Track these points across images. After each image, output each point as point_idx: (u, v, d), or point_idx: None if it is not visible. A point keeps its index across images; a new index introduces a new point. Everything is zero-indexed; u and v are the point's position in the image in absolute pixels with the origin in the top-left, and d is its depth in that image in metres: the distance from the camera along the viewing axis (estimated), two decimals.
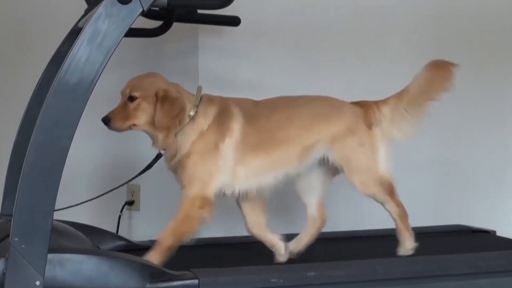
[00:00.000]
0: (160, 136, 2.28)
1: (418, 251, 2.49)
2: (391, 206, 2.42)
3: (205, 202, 2.24)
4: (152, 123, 2.25)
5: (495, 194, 3.56)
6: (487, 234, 2.93)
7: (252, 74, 3.19)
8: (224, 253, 2.50)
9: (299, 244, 2.50)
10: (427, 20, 3.45)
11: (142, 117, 2.25)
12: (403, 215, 2.43)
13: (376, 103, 2.46)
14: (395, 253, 2.42)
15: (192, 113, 2.27)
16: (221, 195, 2.30)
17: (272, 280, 2.07)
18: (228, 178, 2.28)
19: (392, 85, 3.07)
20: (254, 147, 2.30)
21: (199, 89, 2.34)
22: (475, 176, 3.53)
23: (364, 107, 2.45)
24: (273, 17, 3.20)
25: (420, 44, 3.43)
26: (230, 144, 2.28)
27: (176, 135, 2.27)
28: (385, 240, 2.52)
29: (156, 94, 2.24)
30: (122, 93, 2.29)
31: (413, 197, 3.40)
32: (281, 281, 2.07)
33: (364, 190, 2.40)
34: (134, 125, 2.26)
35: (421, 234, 2.84)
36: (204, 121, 2.28)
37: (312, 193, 2.51)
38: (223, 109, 2.32)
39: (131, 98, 2.25)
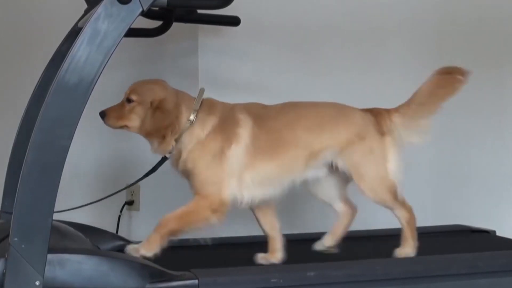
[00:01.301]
0: (153, 142, 2.29)
1: (418, 251, 2.49)
2: (401, 212, 2.41)
3: (220, 206, 2.23)
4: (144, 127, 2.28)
5: (495, 194, 3.56)
6: (487, 234, 2.93)
7: (252, 74, 3.19)
8: (224, 253, 2.50)
9: (334, 237, 2.48)
10: (427, 21, 3.45)
11: (134, 121, 2.28)
12: (412, 221, 2.42)
13: (388, 111, 2.44)
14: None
15: (192, 118, 2.27)
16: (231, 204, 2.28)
17: (272, 280, 2.07)
18: (236, 185, 2.27)
19: (392, 84, 3.08)
20: (263, 152, 2.28)
21: (201, 92, 2.33)
22: (475, 176, 3.53)
23: (375, 114, 2.42)
24: (273, 17, 3.20)
25: (420, 45, 3.43)
26: (237, 150, 2.27)
27: (176, 141, 2.27)
28: (385, 240, 2.52)
29: (152, 102, 2.25)
30: (125, 93, 2.32)
31: (413, 197, 3.40)
32: (281, 281, 2.07)
33: (374, 197, 2.39)
34: (126, 126, 2.29)
35: (421, 234, 2.83)
36: (201, 130, 2.27)
37: (333, 192, 2.49)
38: (227, 116, 2.30)
39: (129, 100, 2.28)
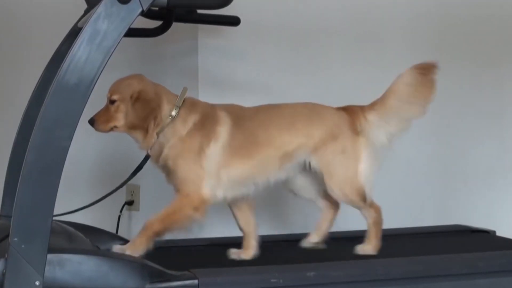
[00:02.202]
0: (139, 137, 2.32)
1: (418, 251, 2.48)
2: (368, 212, 2.43)
3: (200, 204, 2.26)
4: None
5: (495, 194, 3.56)
6: (487, 234, 2.92)
7: (252, 74, 3.19)
8: (224, 253, 2.49)
9: (320, 232, 2.53)
10: (426, 20, 3.45)
11: (121, 119, 2.31)
12: (378, 221, 2.44)
13: (362, 109, 2.45)
14: (395, 253, 2.42)
15: (174, 113, 2.29)
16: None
17: (272, 280, 2.06)
18: (214, 182, 2.29)
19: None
20: (239, 150, 2.31)
21: (184, 90, 2.36)
22: (474, 176, 3.53)
23: (350, 113, 2.44)
24: (273, 17, 3.20)
25: (419, 44, 3.43)
26: (215, 148, 2.29)
27: (157, 135, 2.29)
28: (385, 240, 2.51)
29: (131, 96, 2.28)
30: (106, 96, 2.34)
31: (413, 197, 3.41)
32: (281, 281, 2.07)
33: (342, 197, 2.42)
34: (115, 127, 2.32)
35: (421, 234, 2.84)
36: (182, 126, 2.29)
37: (313, 189, 2.52)
38: (207, 114, 2.33)
39: (112, 101, 2.31)
